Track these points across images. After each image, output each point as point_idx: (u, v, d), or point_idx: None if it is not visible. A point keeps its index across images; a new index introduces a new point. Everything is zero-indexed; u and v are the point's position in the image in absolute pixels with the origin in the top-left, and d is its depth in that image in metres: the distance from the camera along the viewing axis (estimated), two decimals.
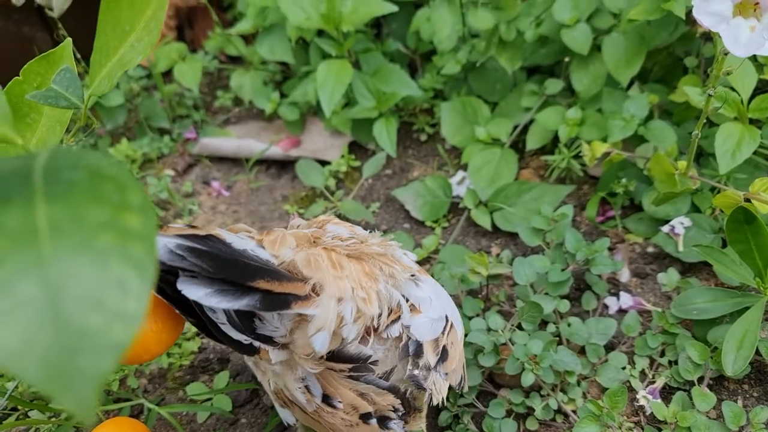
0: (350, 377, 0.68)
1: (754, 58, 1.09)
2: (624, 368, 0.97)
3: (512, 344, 0.91)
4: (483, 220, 1.25)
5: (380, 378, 0.69)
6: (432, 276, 1.14)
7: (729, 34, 0.74)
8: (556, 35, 1.26)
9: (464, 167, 1.38)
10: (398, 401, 0.70)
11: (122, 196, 0.29)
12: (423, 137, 1.54)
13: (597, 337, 0.99)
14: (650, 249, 1.17)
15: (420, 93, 1.45)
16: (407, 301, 0.71)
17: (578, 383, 0.95)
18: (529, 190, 1.26)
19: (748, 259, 0.89)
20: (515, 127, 1.37)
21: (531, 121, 1.36)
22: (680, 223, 1.10)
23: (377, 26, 1.66)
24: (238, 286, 0.56)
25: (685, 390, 0.93)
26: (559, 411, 0.93)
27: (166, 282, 0.56)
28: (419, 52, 1.61)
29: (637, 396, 0.92)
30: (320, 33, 1.51)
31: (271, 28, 1.55)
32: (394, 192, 1.35)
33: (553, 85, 1.35)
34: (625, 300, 1.06)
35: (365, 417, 0.69)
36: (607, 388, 0.92)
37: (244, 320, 0.62)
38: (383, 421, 0.70)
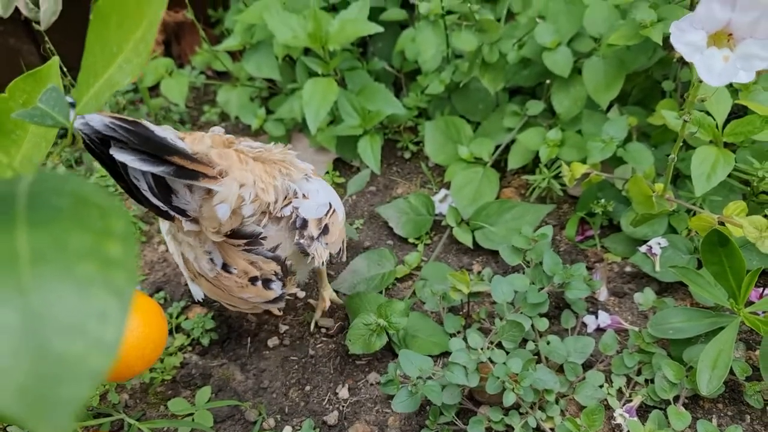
0: (245, 250, 0.88)
1: (729, 84, 1.12)
2: (601, 386, 0.98)
3: (492, 363, 0.92)
4: (465, 237, 1.27)
5: (268, 251, 0.89)
6: (415, 293, 1.17)
7: (703, 63, 0.76)
8: (538, 58, 1.28)
9: (447, 185, 1.40)
10: (279, 267, 0.90)
11: (105, 223, 0.30)
12: (407, 155, 1.55)
13: (575, 355, 1.00)
14: (628, 269, 1.19)
15: (404, 111, 1.46)
16: (299, 191, 0.90)
17: (557, 401, 0.96)
18: (510, 208, 1.28)
19: (723, 281, 0.91)
20: (497, 147, 1.39)
21: (513, 141, 1.38)
22: (657, 244, 1.12)
23: (363, 45, 1.68)
24: (156, 158, 0.71)
25: (661, 408, 0.94)
26: (538, 429, 0.94)
27: (101, 150, 0.70)
28: (404, 72, 1.62)
29: (614, 414, 0.94)
30: (307, 51, 1.53)
31: (258, 46, 1.56)
32: (377, 209, 1.37)
33: (535, 107, 1.37)
34: (603, 319, 1.08)
35: (253, 280, 0.89)
36: (584, 406, 0.93)
37: (162, 191, 0.77)
38: (266, 282, 0.90)
